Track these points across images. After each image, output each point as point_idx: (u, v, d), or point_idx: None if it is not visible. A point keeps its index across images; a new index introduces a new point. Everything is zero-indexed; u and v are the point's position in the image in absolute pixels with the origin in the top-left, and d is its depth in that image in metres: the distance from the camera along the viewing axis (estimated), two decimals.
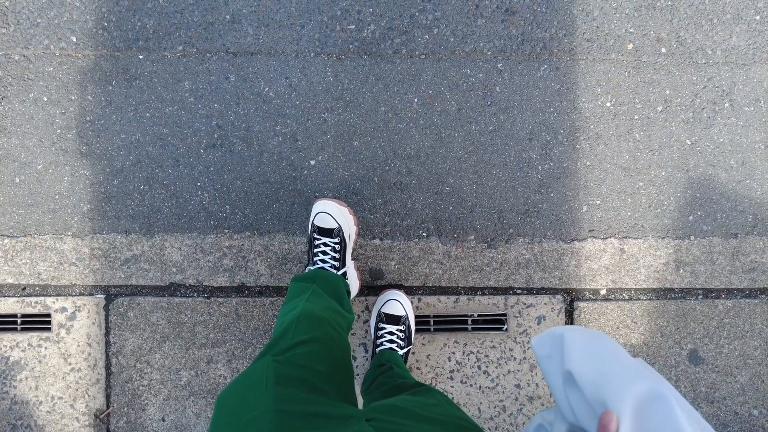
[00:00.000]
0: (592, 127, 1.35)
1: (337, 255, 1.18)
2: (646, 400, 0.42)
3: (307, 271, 1.18)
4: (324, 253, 1.18)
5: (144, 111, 1.34)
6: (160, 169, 1.34)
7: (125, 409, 1.34)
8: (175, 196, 1.35)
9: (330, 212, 1.19)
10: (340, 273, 1.17)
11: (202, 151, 1.34)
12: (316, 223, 1.20)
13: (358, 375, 1.34)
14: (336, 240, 1.18)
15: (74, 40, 1.32)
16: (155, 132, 1.34)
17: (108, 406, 1.34)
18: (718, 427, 1.35)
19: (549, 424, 0.53)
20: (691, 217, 1.36)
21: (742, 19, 1.34)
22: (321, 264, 1.17)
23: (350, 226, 1.24)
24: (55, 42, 1.32)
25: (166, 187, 1.35)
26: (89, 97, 1.33)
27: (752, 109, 1.35)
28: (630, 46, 1.34)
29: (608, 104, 1.34)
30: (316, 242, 1.19)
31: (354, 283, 1.27)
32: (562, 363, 0.50)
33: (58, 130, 1.34)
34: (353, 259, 1.32)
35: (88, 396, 1.33)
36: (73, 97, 1.33)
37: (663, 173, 1.35)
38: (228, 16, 1.33)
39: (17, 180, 1.34)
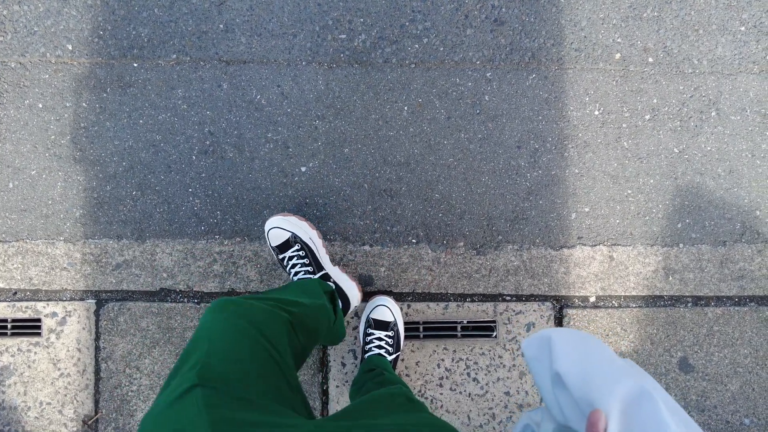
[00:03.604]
0: (580, 135, 1.36)
1: (306, 260, 1.19)
2: (633, 399, 0.43)
3: None
4: (293, 266, 1.19)
5: (137, 118, 1.36)
6: (152, 175, 1.36)
7: (114, 415, 1.34)
8: (167, 202, 1.36)
9: (277, 225, 1.21)
10: (319, 275, 1.18)
11: (194, 157, 1.36)
12: (272, 243, 1.22)
13: (346, 382, 1.33)
14: (296, 248, 1.20)
15: (70, 48, 1.34)
16: (148, 138, 1.36)
17: (96, 412, 1.33)
18: None
19: (536, 424, 0.54)
20: (679, 225, 1.37)
21: (728, 30, 1.36)
22: (296, 276, 1.19)
23: (306, 231, 1.24)
24: (51, 50, 1.34)
25: (158, 192, 1.36)
26: (84, 104, 1.35)
27: (739, 118, 1.36)
28: (617, 56, 1.36)
29: (596, 113, 1.36)
30: (282, 259, 1.21)
31: (352, 292, 1.26)
32: (550, 364, 0.50)
33: (53, 136, 1.35)
34: (342, 265, 1.33)
35: (77, 402, 1.33)
36: (67, 104, 1.35)
37: (651, 181, 1.36)
38: (221, 26, 1.35)
39: (11, 185, 1.35)
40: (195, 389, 0.61)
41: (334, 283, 1.21)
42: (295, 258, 1.19)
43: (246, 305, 0.78)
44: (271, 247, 1.23)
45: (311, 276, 1.18)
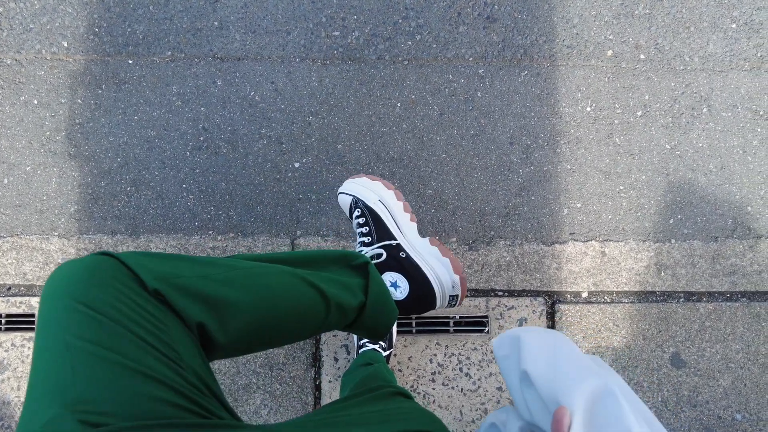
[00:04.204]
0: (572, 131, 1.37)
1: (365, 229, 0.92)
2: (597, 397, 0.44)
3: None
4: (360, 234, 0.94)
5: (132, 114, 1.36)
6: (146, 171, 1.36)
7: None
8: (161, 198, 1.37)
9: (342, 190, 1.00)
10: (370, 249, 0.89)
11: (188, 153, 1.36)
12: (344, 211, 1.01)
13: (339, 378, 1.34)
14: (356, 214, 0.95)
15: (65, 45, 1.35)
16: (143, 135, 1.36)
17: None
18: (702, 431, 1.34)
19: (502, 423, 0.55)
20: (671, 221, 1.37)
21: (719, 27, 1.36)
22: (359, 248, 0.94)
23: (376, 192, 0.95)
24: (47, 47, 1.35)
25: (152, 188, 1.37)
26: (79, 100, 1.36)
27: (730, 114, 1.37)
28: (609, 53, 1.37)
29: (588, 109, 1.37)
30: (354, 228, 0.97)
31: (438, 271, 0.87)
32: (518, 363, 0.52)
33: (48, 133, 1.36)
34: (427, 236, 0.95)
35: None
36: (63, 101, 1.36)
37: (643, 177, 1.37)
38: (216, 23, 1.36)
39: (5, 181, 1.36)
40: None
41: (407, 259, 0.87)
42: (356, 227, 0.94)
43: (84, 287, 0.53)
44: (348, 219, 1.00)
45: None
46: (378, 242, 0.89)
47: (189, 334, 0.56)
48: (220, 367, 1.34)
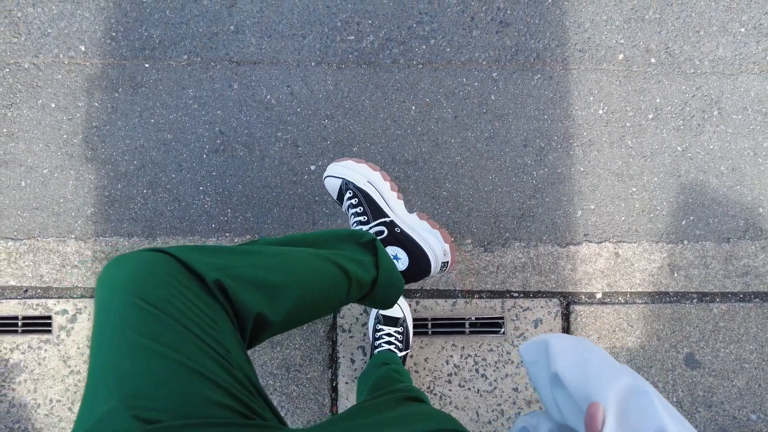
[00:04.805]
0: (585, 134, 1.38)
1: (359, 209, 0.96)
2: (629, 394, 0.45)
3: None
4: (353, 215, 0.97)
5: (149, 117, 1.37)
6: (163, 174, 1.37)
7: None
8: (178, 200, 1.37)
9: (328, 174, 1.02)
10: (368, 228, 0.94)
11: (204, 156, 1.37)
12: (331, 194, 1.04)
13: (355, 379, 1.34)
14: (348, 195, 0.98)
15: (83, 49, 1.37)
16: (159, 137, 1.37)
17: None
18: (717, 431, 1.35)
19: (533, 427, 0.55)
20: (684, 222, 1.39)
21: (728, 31, 1.39)
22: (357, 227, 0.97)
23: (364, 173, 0.99)
24: (64, 51, 1.36)
25: (169, 191, 1.37)
26: (96, 103, 1.37)
27: (740, 117, 1.38)
28: (621, 57, 1.38)
29: (600, 112, 1.38)
30: (344, 209, 1.01)
31: (431, 242, 0.94)
32: (548, 366, 0.52)
33: (65, 136, 1.37)
34: (414, 212, 1.01)
35: None
36: (80, 104, 1.37)
37: (655, 179, 1.38)
38: (232, 27, 1.37)
39: (23, 184, 1.37)
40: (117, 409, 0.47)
41: (402, 233, 0.94)
42: (350, 208, 0.98)
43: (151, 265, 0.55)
44: (336, 201, 1.04)
45: (364, 227, 0.95)
46: (374, 220, 0.95)
47: (234, 329, 0.57)
48: None
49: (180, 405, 0.48)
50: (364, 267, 0.80)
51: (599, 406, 0.43)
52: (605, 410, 0.43)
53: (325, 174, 1.03)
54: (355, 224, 0.97)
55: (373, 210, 0.96)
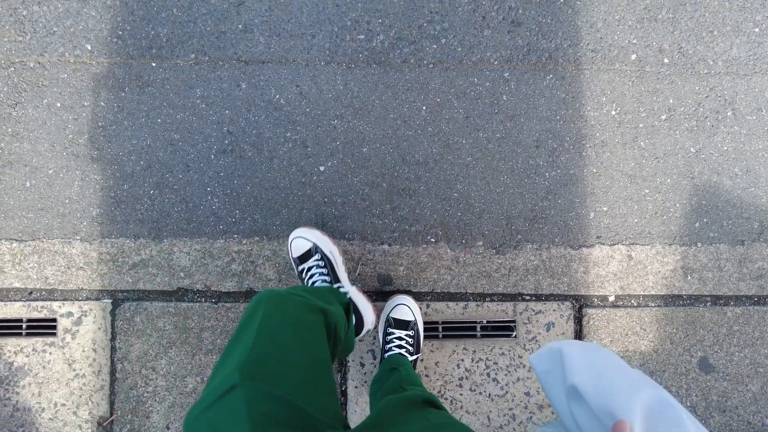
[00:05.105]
0: (597, 134, 1.37)
1: (324, 270, 1.19)
2: (655, 407, 0.44)
3: None
4: (312, 275, 1.18)
5: (156, 117, 1.36)
6: (170, 174, 1.35)
7: (129, 416, 1.32)
8: (185, 201, 1.35)
9: (300, 235, 1.23)
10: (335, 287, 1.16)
11: (212, 156, 1.35)
12: (293, 254, 1.23)
13: (365, 383, 1.32)
14: (317, 257, 1.20)
15: (89, 48, 1.35)
16: (166, 138, 1.35)
17: (112, 414, 1.31)
18: None
19: None
20: (697, 224, 1.37)
21: (742, 31, 1.37)
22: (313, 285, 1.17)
23: (328, 245, 1.24)
24: (70, 50, 1.35)
25: (176, 192, 1.35)
26: (102, 103, 1.35)
27: (755, 118, 1.37)
28: (633, 57, 1.37)
29: (613, 113, 1.37)
30: (301, 270, 1.21)
31: (367, 313, 1.20)
32: (563, 377, 0.51)
33: (70, 135, 1.35)
34: (355, 285, 1.29)
35: (92, 403, 1.31)
36: (85, 103, 1.35)
37: (668, 180, 1.37)
38: (240, 26, 1.36)
39: (28, 184, 1.35)
40: (236, 389, 0.61)
41: (350, 300, 1.17)
42: (315, 267, 1.19)
43: (293, 302, 0.77)
44: (293, 258, 1.23)
45: (327, 284, 1.17)
46: (334, 283, 1.18)
47: None
48: None
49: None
50: (342, 322, 0.99)
51: (627, 424, 0.42)
52: (632, 427, 0.42)
53: (297, 235, 1.23)
54: (319, 277, 1.18)
55: (333, 274, 1.20)
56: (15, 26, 1.34)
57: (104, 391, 1.31)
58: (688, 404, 1.33)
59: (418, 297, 1.34)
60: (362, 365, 1.32)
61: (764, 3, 1.36)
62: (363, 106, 1.36)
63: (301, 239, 1.23)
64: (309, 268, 1.20)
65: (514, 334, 1.32)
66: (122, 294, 1.35)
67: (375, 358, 1.32)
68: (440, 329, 1.32)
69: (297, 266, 1.23)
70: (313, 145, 1.35)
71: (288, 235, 1.35)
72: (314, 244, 1.22)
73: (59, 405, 1.31)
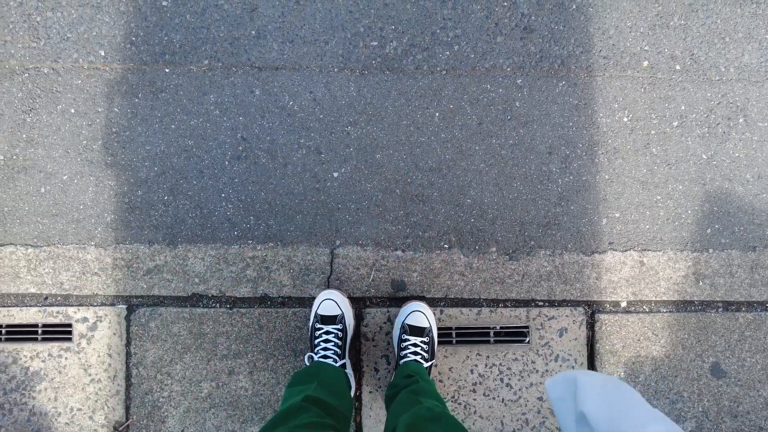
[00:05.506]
0: (609, 141, 1.37)
1: (339, 342, 1.21)
2: None
3: (307, 360, 1.19)
4: (327, 341, 1.20)
5: (169, 123, 1.36)
6: (184, 180, 1.36)
7: (145, 421, 1.33)
8: (200, 207, 1.36)
9: (335, 299, 1.24)
10: (340, 364, 1.19)
11: (226, 162, 1.36)
12: (320, 312, 1.24)
13: (379, 388, 1.33)
14: (339, 327, 1.22)
15: (102, 54, 1.35)
16: (180, 144, 1.36)
17: (127, 419, 1.32)
18: None
19: None
20: (709, 231, 1.38)
21: (754, 38, 1.38)
22: (323, 353, 1.19)
23: (350, 316, 1.27)
24: (84, 56, 1.35)
25: (191, 198, 1.36)
26: (116, 109, 1.36)
27: (766, 124, 1.37)
28: (645, 63, 1.37)
29: (625, 119, 1.37)
30: (319, 331, 1.22)
31: (351, 381, 1.26)
32: (574, 405, 0.51)
33: (84, 141, 1.35)
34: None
35: (108, 408, 1.31)
36: (99, 109, 1.35)
37: (680, 187, 1.38)
38: (253, 32, 1.36)
39: (42, 190, 1.35)
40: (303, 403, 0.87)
41: (347, 375, 1.22)
42: (332, 336, 1.21)
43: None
44: (317, 313, 1.24)
45: (337, 358, 1.20)
46: (341, 359, 1.20)
47: None
48: (259, 378, 1.33)
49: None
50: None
51: None
52: None
53: (330, 297, 1.24)
54: (332, 348, 1.20)
55: (343, 348, 1.22)
56: (29, 32, 1.34)
57: (120, 396, 1.32)
58: (700, 409, 1.34)
59: (431, 303, 1.35)
60: (376, 370, 1.33)
61: None
62: (376, 112, 1.36)
63: (333, 303, 1.24)
64: (328, 332, 1.21)
65: (528, 339, 1.32)
66: (137, 300, 1.35)
67: (389, 363, 1.33)
68: (454, 335, 1.33)
69: (317, 323, 1.23)
70: (327, 151, 1.36)
71: (302, 242, 1.36)
72: (342, 313, 1.24)
73: (75, 410, 1.31)
